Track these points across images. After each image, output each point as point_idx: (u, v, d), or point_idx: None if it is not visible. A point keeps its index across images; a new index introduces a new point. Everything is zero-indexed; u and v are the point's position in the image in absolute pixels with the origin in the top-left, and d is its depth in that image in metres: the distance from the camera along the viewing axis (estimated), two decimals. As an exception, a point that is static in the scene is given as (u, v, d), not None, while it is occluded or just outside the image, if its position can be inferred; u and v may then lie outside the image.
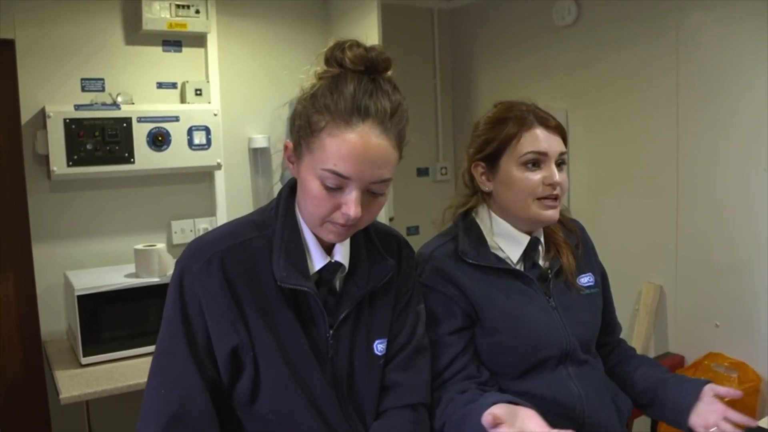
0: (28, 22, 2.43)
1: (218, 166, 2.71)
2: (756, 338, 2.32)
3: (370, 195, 1.01)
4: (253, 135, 2.90)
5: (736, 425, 1.17)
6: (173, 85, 2.72)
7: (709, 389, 1.23)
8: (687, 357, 2.54)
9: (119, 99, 2.54)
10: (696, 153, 2.47)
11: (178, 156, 2.59)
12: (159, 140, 2.54)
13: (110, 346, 2.22)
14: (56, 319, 2.52)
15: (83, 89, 2.54)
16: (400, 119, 1.01)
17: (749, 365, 2.33)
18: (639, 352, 2.54)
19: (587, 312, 1.31)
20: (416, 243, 1.27)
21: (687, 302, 2.56)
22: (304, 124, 1.00)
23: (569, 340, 1.25)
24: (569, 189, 2.86)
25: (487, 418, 1.02)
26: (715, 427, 1.18)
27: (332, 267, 1.09)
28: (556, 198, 1.24)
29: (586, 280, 1.33)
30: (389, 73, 1.03)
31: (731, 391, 1.20)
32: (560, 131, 1.27)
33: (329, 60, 1.03)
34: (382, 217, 2.48)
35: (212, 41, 2.77)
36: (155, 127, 2.54)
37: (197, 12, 2.66)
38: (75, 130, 2.40)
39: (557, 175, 1.23)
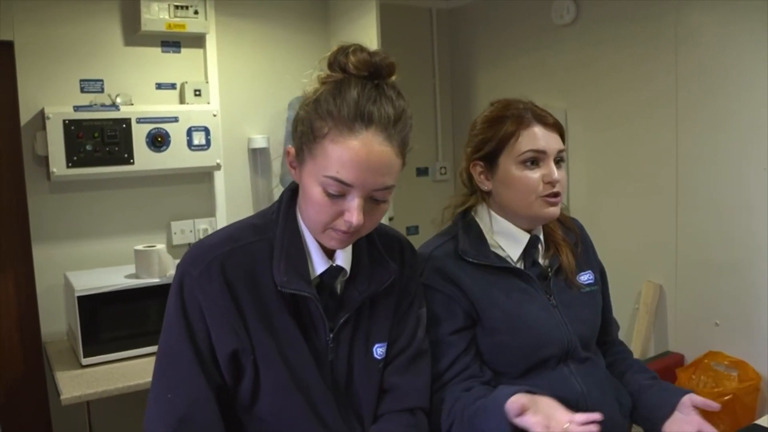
0: (27, 23, 2.43)
1: (218, 167, 2.71)
2: (756, 337, 2.32)
3: (373, 202, 1.01)
4: (252, 135, 2.90)
5: None
6: (172, 86, 2.72)
7: (688, 399, 1.22)
8: (687, 356, 2.55)
9: (118, 100, 2.54)
10: (695, 152, 2.47)
11: (177, 157, 2.59)
12: (158, 141, 2.54)
13: (111, 347, 2.22)
14: (56, 320, 2.52)
15: (82, 90, 2.54)
16: (403, 126, 1.00)
17: (749, 364, 2.33)
18: (639, 351, 2.55)
19: (587, 309, 1.31)
20: (416, 242, 1.27)
21: (687, 301, 2.56)
22: (307, 130, 0.99)
23: (570, 338, 1.24)
24: (568, 188, 2.86)
25: (513, 405, 1.02)
26: None
27: (333, 271, 1.08)
28: (557, 195, 1.24)
29: (585, 277, 1.33)
30: (393, 78, 1.02)
31: (709, 402, 1.20)
32: (558, 129, 1.27)
33: (332, 65, 1.02)
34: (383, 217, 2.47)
35: (211, 42, 2.77)
36: (154, 128, 2.54)
37: (196, 13, 2.66)
38: (74, 131, 2.40)
39: (556, 173, 1.23)
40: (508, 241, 1.29)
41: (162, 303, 2.27)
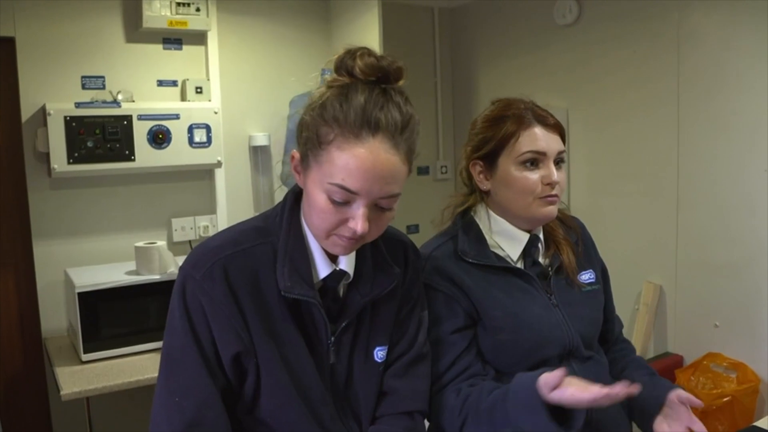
0: (29, 20, 2.43)
1: (218, 164, 2.72)
2: (755, 339, 2.32)
3: (378, 209, 0.99)
4: (253, 133, 2.90)
5: None
6: (174, 83, 2.72)
7: (675, 396, 1.20)
8: (686, 357, 2.55)
9: (120, 97, 2.54)
10: (696, 152, 2.47)
11: (178, 154, 2.59)
12: (159, 138, 2.54)
13: (111, 343, 2.23)
14: (57, 316, 2.52)
15: (84, 87, 2.54)
16: (411, 133, 0.98)
17: (748, 366, 2.33)
18: (639, 351, 2.54)
19: (589, 308, 1.31)
20: (416, 241, 1.27)
21: (686, 302, 2.56)
22: (312, 136, 0.98)
23: (572, 337, 1.24)
24: (569, 188, 2.86)
25: (550, 377, 1.02)
26: None
27: (337, 275, 1.07)
28: (555, 196, 1.24)
29: (587, 276, 1.33)
30: (401, 82, 1.00)
31: (693, 399, 1.19)
32: (559, 129, 1.27)
33: (339, 68, 1.00)
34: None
35: (213, 39, 2.77)
36: (156, 125, 2.54)
37: (197, 10, 2.66)
38: (75, 127, 2.40)
39: (555, 175, 1.22)
40: (508, 240, 1.29)
41: (162, 300, 2.29)
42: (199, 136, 2.63)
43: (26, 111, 2.44)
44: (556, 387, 1.02)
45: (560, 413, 1.04)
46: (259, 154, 2.93)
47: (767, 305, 2.29)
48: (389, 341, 1.14)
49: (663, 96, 2.55)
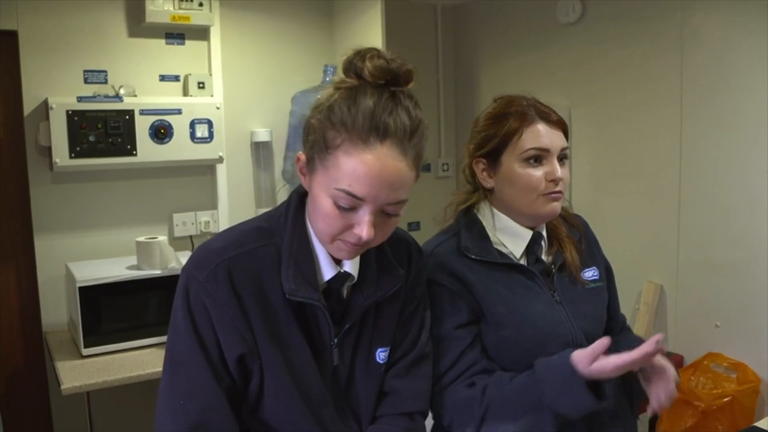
0: (31, 13, 2.43)
1: (220, 160, 2.71)
2: (756, 339, 2.32)
3: (384, 215, 0.98)
4: (255, 128, 2.90)
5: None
6: (176, 78, 2.71)
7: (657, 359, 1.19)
8: (686, 357, 2.54)
9: (122, 91, 2.54)
10: (699, 152, 2.47)
11: (180, 149, 2.59)
12: (161, 133, 2.54)
13: (111, 338, 2.23)
14: (57, 311, 2.52)
15: (86, 81, 2.53)
16: (419, 139, 0.97)
17: (749, 366, 2.33)
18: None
19: (592, 305, 1.31)
20: (417, 239, 1.27)
21: (687, 302, 2.55)
22: (319, 140, 0.96)
23: (575, 334, 1.24)
24: (571, 186, 2.85)
25: (588, 350, 1.06)
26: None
27: (341, 277, 1.07)
28: (559, 193, 1.24)
29: (590, 274, 1.32)
30: (411, 85, 0.98)
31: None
32: (562, 126, 1.26)
33: (348, 70, 0.98)
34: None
35: (215, 34, 2.76)
36: (158, 120, 2.54)
37: (200, 5, 2.65)
38: (77, 121, 2.40)
39: (559, 171, 1.22)
40: (511, 238, 1.28)
41: (163, 294, 2.29)
42: (201, 131, 2.63)
43: (28, 105, 2.44)
44: (595, 360, 1.05)
45: (591, 387, 1.08)
46: (260, 150, 2.92)
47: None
48: (391, 341, 1.13)
49: (665, 95, 2.54)
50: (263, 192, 2.94)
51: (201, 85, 2.70)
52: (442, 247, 1.27)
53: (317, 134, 0.97)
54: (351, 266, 1.07)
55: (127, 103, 2.49)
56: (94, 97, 2.46)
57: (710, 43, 2.39)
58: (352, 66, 0.97)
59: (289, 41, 2.95)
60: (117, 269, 2.31)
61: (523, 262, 1.28)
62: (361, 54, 0.97)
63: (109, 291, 2.22)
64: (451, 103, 3.61)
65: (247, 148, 2.91)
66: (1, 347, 2.47)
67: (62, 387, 1.97)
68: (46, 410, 2.54)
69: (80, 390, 1.99)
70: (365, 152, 0.92)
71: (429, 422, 1.23)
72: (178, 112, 2.58)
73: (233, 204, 2.85)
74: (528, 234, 1.28)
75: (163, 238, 2.37)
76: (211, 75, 2.75)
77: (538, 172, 1.22)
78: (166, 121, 2.55)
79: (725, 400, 2.25)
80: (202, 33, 2.75)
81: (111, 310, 2.24)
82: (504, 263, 1.25)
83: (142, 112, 2.51)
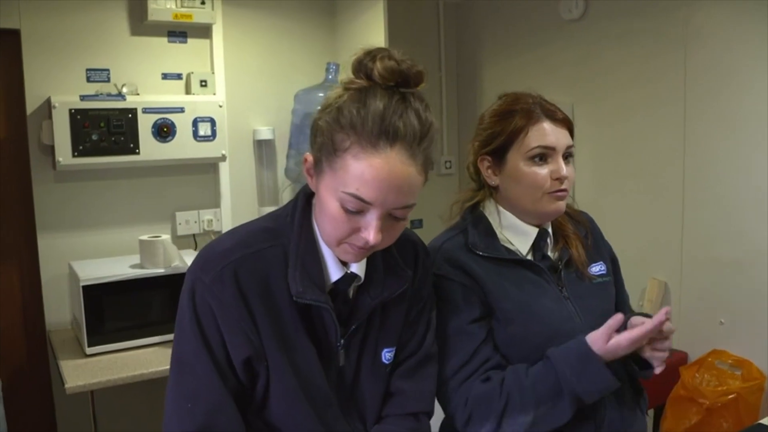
0: (33, 12, 2.42)
1: (223, 158, 2.71)
2: (760, 336, 2.31)
3: (392, 219, 0.98)
4: (257, 127, 2.89)
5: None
6: (178, 76, 2.71)
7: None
8: (690, 354, 2.54)
9: (124, 90, 2.53)
10: (702, 149, 2.46)
11: (182, 147, 2.59)
12: (164, 131, 2.54)
13: (115, 337, 2.23)
14: (60, 310, 2.52)
15: (88, 80, 2.53)
16: (429, 142, 0.96)
17: (753, 363, 2.32)
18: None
19: (600, 300, 1.30)
20: (421, 236, 1.26)
21: (691, 299, 2.55)
22: (327, 142, 0.95)
23: (583, 329, 1.23)
24: (574, 184, 2.85)
25: (604, 328, 1.11)
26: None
27: (348, 278, 1.06)
28: (564, 191, 1.24)
29: (597, 269, 1.32)
30: (421, 86, 0.97)
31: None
32: (567, 124, 1.26)
33: (357, 70, 0.96)
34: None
35: (217, 32, 2.76)
36: (160, 118, 2.53)
37: (203, 3, 2.65)
38: (80, 120, 2.39)
39: (564, 169, 1.22)
40: (517, 235, 1.28)
41: (167, 293, 2.29)
42: (204, 129, 2.63)
43: (31, 103, 2.43)
44: (611, 337, 1.10)
45: None
46: (263, 148, 2.92)
47: (773, 303, 2.28)
48: (397, 342, 1.13)
49: (668, 93, 2.54)
50: (266, 190, 2.94)
51: (203, 84, 2.70)
52: (449, 244, 1.27)
53: (325, 136, 0.96)
54: (358, 267, 1.07)
55: (130, 101, 2.49)
56: (96, 95, 2.45)
57: (713, 40, 2.38)
58: (361, 66, 0.96)
59: (291, 39, 2.94)
60: (120, 268, 2.31)
61: (529, 258, 1.28)
62: (372, 54, 0.96)
63: (113, 290, 2.22)
64: (454, 101, 3.60)
65: (250, 147, 2.90)
66: (4, 346, 2.47)
67: (66, 386, 1.97)
68: (50, 409, 2.54)
69: (84, 389, 1.99)
70: (374, 156, 0.92)
71: (434, 422, 1.23)
72: (181, 110, 2.58)
73: (236, 202, 2.84)
74: (534, 231, 1.28)
75: (166, 237, 2.37)
76: (213, 73, 2.75)
77: (543, 171, 1.22)
78: (169, 120, 2.55)
79: (730, 397, 2.24)
80: (204, 31, 2.74)
81: (114, 309, 2.24)
82: (511, 259, 1.25)
83: (145, 111, 2.50)
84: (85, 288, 2.17)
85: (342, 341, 1.06)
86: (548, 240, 1.30)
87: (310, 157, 1.01)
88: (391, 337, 1.12)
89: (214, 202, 2.83)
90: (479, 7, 3.42)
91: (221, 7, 2.74)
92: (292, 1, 2.94)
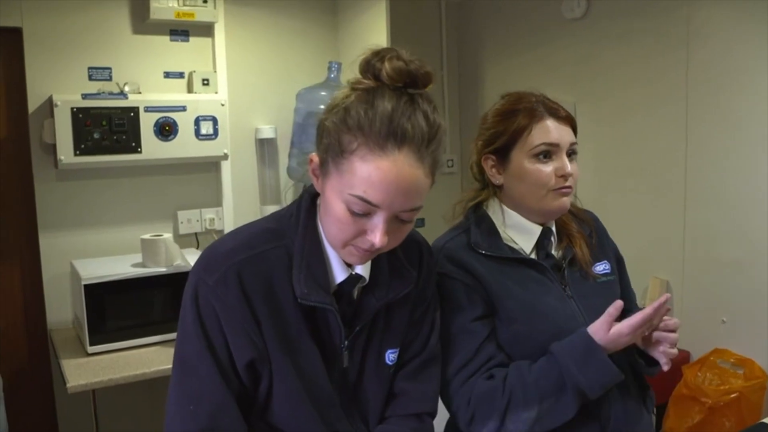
0: (35, 11, 2.42)
1: (225, 157, 2.71)
2: (762, 335, 2.31)
3: (398, 221, 0.96)
4: (259, 125, 2.89)
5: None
6: (180, 75, 2.71)
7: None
8: (693, 353, 2.54)
9: (126, 88, 2.53)
10: (704, 148, 2.46)
11: (184, 146, 2.59)
12: (166, 130, 2.54)
13: (117, 336, 2.22)
14: (62, 308, 2.52)
15: (90, 78, 2.53)
16: (437, 145, 0.95)
17: (755, 362, 2.32)
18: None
19: (604, 299, 1.29)
20: (423, 235, 1.26)
21: (693, 298, 2.55)
22: (334, 143, 0.93)
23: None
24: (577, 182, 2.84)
25: (604, 318, 1.11)
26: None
27: (352, 279, 1.05)
28: (568, 188, 1.23)
29: (601, 268, 1.32)
30: (429, 87, 0.96)
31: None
32: (570, 122, 1.26)
33: (365, 70, 0.95)
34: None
35: (219, 31, 2.76)
36: (162, 117, 2.53)
37: (204, 1, 2.65)
38: (82, 119, 2.39)
39: (569, 166, 1.22)
40: (521, 234, 1.28)
41: (169, 292, 2.29)
42: (206, 128, 2.63)
43: (33, 102, 2.43)
44: (611, 326, 1.11)
45: None
46: (265, 147, 2.92)
47: (775, 302, 2.28)
48: (401, 343, 1.13)
49: (671, 92, 2.53)
50: (268, 189, 2.94)
51: (205, 82, 2.70)
52: (452, 243, 1.27)
53: (332, 137, 0.94)
54: (362, 268, 1.06)
55: (132, 100, 2.49)
56: (98, 94, 2.45)
57: (715, 40, 2.38)
58: (369, 66, 0.95)
59: (293, 38, 2.94)
60: (122, 267, 2.31)
61: (533, 257, 1.28)
62: (380, 54, 0.95)
63: (115, 289, 2.22)
64: (455, 100, 3.60)
65: (252, 145, 2.90)
66: (5, 345, 2.47)
67: (68, 385, 1.97)
68: (51, 408, 2.54)
69: (86, 388, 1.99)
70: (382, 158, 0.90)
71: (438, 422, 1.22)
72: (183, 109, 2.57)
73: (238, 201, 2.84)
74: (537, 230, 1.28)
75: (168, 236, 2.37)
76: (215, 72, 2.75)
77: (547, 168, 1.22)
78: (171, 118, 2.55)
79: (732, 396, 2.24)
80: (206, 30, 2.74)
81: (116, 308, 2.24)
82: (514, 258, 1.25)
83: (147, 109, 2.50)
84: (87, 287, 2.17)
85: (346, 342, 1.06)
86: (552, 238, 1.30)
87: (315, 158, 0.99)
88: (395, 338, 1.11)
89: (216, 201, 2.82)
90: (481, 6, 3.41)
91: (223, 6, 2.74)
92: (294, 0, 2.94)
